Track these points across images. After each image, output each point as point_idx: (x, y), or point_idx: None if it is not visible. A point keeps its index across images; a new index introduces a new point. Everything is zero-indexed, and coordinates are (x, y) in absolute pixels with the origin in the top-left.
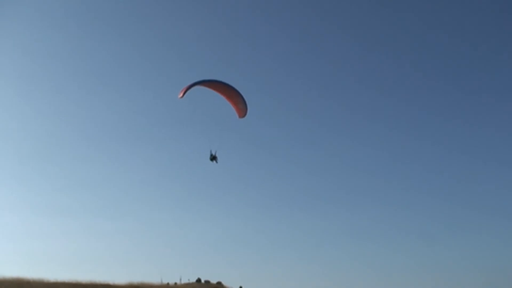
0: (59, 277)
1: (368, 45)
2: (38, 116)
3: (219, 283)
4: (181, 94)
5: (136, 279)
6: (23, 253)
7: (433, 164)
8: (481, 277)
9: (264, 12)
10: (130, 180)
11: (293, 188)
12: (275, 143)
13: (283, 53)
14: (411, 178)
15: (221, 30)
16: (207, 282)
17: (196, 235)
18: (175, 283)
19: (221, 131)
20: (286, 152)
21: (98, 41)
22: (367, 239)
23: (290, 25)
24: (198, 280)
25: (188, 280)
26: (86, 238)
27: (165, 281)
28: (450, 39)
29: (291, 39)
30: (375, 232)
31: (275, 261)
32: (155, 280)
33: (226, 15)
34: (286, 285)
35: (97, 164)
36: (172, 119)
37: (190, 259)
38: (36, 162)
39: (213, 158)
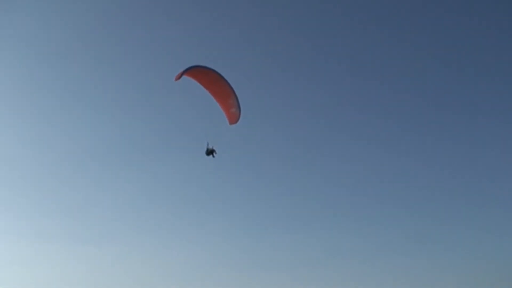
0: None
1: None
2: (20, 138)
3: None
4: (178, 77)
5: None
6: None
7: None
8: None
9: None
10: (115, 204)
11: (281, 208)
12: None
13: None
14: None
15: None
16: None
17: (186, 259)
18: None
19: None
20: (274, 172)
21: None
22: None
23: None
24: None
25: None
26: (71, 264)
27: None
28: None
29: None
30: (372, 251)
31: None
32: None
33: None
34: None
35: (81, 188)
36: (157, 140)
37: (180, 283)
38: (20, 187)
39: (210, 152)
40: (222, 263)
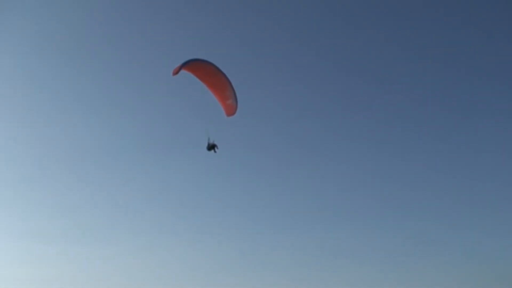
0: None
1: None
2: (16, 138)
3: None
4: (175, 72)
5: None
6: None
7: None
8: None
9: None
10: (110, 204)
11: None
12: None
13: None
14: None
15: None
16: None
17: (182, 260)
18: None
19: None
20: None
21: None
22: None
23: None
24: None
25: None
26: (66, 264)
27: None
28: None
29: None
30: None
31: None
32: None
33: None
34: None
35: (76, 188)
36: (152, 140)
37: (175, 285)
38: (15, 187)
39: (212, 147)
40: (218, 265)
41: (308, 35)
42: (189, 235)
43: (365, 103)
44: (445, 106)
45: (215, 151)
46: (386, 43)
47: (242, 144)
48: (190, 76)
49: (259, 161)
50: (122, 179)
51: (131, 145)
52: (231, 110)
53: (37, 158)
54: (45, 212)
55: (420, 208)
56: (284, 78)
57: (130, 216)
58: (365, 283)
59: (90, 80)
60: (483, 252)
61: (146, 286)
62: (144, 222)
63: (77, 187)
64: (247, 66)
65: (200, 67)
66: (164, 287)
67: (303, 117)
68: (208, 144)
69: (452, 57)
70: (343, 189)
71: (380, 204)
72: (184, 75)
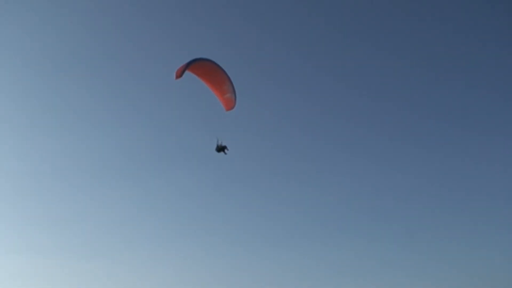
0: None
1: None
2: (11, 148)
3: None
4: (178, 75)
5: None
6: None
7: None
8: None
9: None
10: (107, 216)
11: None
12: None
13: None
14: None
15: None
16: None
17: (180, 273)
18: None
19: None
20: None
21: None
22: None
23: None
24: None
25: None
26: (64, 278)
27: None
28: None
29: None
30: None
31: None
32: None
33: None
34: None
35: (72, 200)
36: (149, 153)
37: None
38: (8, 199)
39: (221, 148)
40: (215, 277)
41: (309, 41)
42: (187, 246)
43: (362, 115)
44: (438, 117)
45: (225, 153)
46: (382, 51)
47: (238, 154)
48: (187, 76)
49: (255, 171)
50: (119, 191)
51: (131, 157)
52: (230, 104)
53: (35, 170)
54: (44, 224)
55: (416, 219)
56: (282, 88)
57: (129, 228)
58: None
59: (88, 90)
60: (481, 259)
61: None
62: (143, 235)
63: (75, 199)
64: (244, 72)
65: (200, 66)
66: None
67: (297, 129)
68: (217, 146)
69: (449, 65)
70: (340, 200)
71: (376, 214)
72: (182, 82)
